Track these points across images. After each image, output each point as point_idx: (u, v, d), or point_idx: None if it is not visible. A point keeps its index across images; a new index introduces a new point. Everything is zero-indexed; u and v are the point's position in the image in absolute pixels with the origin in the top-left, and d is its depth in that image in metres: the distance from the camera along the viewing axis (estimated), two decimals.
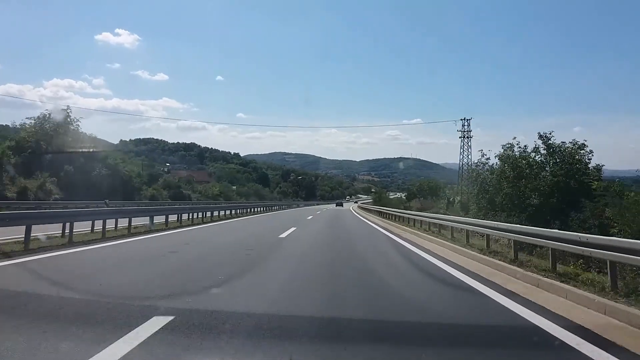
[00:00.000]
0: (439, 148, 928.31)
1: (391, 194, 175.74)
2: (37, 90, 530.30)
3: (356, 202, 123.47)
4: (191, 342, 3.48)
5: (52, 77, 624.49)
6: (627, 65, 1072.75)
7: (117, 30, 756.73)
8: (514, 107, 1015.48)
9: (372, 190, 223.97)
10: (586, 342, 3.67)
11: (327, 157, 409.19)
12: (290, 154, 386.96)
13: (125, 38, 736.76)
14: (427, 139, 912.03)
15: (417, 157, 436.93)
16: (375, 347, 3.59)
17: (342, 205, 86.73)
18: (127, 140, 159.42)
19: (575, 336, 3.82)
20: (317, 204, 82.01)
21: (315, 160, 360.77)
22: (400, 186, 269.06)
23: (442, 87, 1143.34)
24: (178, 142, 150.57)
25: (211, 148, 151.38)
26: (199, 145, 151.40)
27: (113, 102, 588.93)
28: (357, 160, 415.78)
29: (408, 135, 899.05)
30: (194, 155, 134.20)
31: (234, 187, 77.78)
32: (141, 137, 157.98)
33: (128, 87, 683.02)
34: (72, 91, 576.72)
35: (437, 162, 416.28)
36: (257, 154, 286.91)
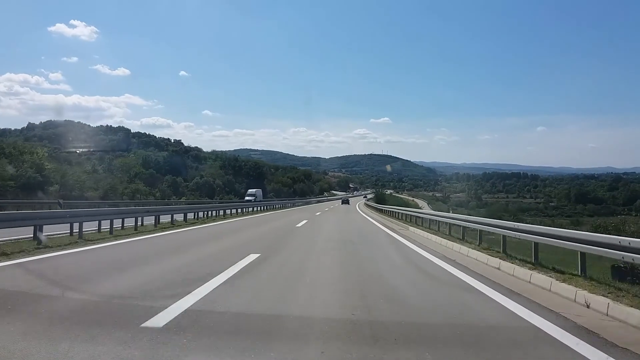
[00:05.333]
0: (407, 146, 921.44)
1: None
2: None
3: (365, 196, 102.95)
4: None
5: (4, 72, 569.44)
6: (586, 66, 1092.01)
7: (72, 22, 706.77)
8: (478, 107, 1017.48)
9: (350, 185, 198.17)
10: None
11: (296, 154, 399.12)
12: (257, 150, 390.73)
13: (82, 30, 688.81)
14: (394, 138, 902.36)
15: (388, 154, 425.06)
16: None
17: (349, 202, 66.64)
18: (37, 123, 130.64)
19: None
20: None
21: (283, 157, 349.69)
22: (377, 183, 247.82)
23: (409, 87, 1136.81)
24: (100, 125, 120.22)
25: (143, 133, 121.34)
26: (129, 130, 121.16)
27: (73, 98, 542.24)
28: (327, 157, 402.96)
29: (376, 134, 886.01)
30: (116, 140, 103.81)
31: None
32: (53, 120, 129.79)
33: (88, 82, 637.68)
34: (27, 86, 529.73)
35: (407, 159, 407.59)
36: (222, 151, 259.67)
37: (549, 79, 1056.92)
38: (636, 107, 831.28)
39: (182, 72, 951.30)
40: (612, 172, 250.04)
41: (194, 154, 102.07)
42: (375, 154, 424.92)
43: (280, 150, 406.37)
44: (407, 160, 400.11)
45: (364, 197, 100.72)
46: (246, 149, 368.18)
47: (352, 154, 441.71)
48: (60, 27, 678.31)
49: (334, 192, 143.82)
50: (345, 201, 70.85)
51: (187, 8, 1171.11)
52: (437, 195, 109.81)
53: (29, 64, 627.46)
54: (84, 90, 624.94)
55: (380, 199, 65.05)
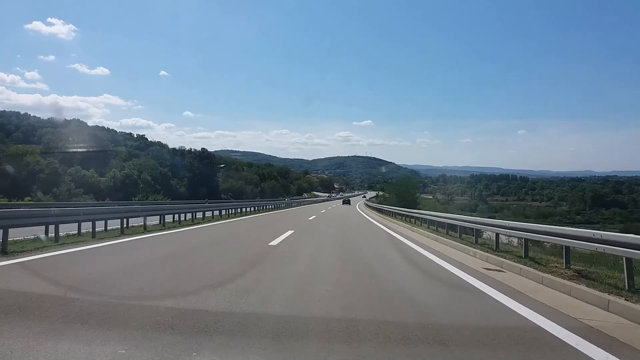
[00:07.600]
0: (390, 149, 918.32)
1: (371, 192, 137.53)
2: None
3: (364, 196, 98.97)
4: None
5: None
6: (567, 70, 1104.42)
7: (49, 19, 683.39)
8: (460, 111, 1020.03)
9: (335, 186, 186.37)
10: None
11: (279, 156, 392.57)
12: (239, 151, 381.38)
13: (59, 28, 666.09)
14: (377, 140, 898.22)
15: (372, 156, 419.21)
16: None
17: (350, 203, 61.16)
18: None
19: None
20: None
21: (265, 159, 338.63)
22: (362, 184, 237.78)
23: (392, 90, 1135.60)
24: (50, 118, 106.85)
25: (101, 127, 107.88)
26: (84, 123, 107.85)
27: (50, 98, 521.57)
28: (309, 159, 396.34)
29: (359, 137, 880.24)
30: (65, 134, 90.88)
31: None
32: None
33: (66, 81, 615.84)
34: (3, 85, 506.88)
35: (391, 161, 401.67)
36: (194, 149, 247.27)
37: (530, 83, 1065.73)
38: (616, 112, 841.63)
39: (163, 72, 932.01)
40: (593, 176, 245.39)
41: (156, 149, 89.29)
42: (359, 156, 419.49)
43: (262, 152, 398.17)
44: (391, 163, 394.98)
45: (362, 197, 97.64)
46: (227, 150, 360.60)
47: (336, 155, 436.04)
48: (37, 25, 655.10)
49: (316, 192, 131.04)
50: (347, 201, 65.82)
51: (168, 7, 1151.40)
52: (438, 197, 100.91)
53: (4, 62, 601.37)
54: (61, 89, 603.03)
55: (410, 201, 39.58)
